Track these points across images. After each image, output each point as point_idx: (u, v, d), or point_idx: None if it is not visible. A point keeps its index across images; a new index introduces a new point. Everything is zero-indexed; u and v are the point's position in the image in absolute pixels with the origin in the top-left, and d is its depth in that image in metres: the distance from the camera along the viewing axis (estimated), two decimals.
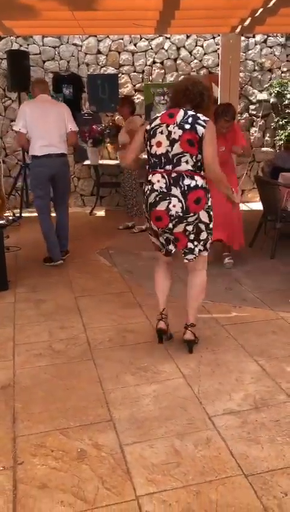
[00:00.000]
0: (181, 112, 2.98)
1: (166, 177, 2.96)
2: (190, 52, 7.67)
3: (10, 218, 5.43)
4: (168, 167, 2.96)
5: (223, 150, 4.61)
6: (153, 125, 3.04)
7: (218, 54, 7.40)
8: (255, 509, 1.95)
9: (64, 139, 4.87)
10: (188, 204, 2.95)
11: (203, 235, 3.10)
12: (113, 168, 7.47)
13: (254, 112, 7.98)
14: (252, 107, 7.95)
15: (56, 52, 7.54)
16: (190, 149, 2.92)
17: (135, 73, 7.66)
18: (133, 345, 3.34)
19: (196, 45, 7.66)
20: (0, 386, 2.87)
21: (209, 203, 3.08)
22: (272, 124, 7.97)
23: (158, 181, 2.98)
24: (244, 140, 4.84)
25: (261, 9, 5.14)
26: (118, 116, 7.28)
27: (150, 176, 3.04)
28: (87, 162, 7.44)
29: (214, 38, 7.59)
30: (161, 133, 2.98)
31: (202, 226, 3.07)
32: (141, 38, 7.55)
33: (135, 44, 7.56)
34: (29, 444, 2.35)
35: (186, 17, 5.43)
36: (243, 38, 7.34)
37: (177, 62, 7.68)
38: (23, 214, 7.02)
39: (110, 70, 7.62)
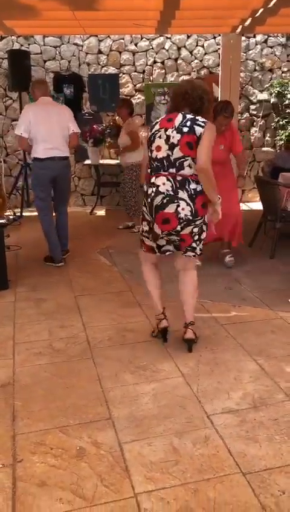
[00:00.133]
0: (179, 116, 2.98)
1: (171, 180, 2.95)
2: (191, 52, 7.68)
3: (11, 217, 5.45)
4: (172, 170, 2.95)
5: (223, 148, 4.61)
6: (153, 130, 3.06)
7: (219, 54, 7.41)
8: (253, 507, 1.96)
9: (67, 141, 4.88)
10: (197, 208, 2.96)
11: (204, 235, 3.14)
12: (114, 167, 7.48)
13: (255, 112, 7.98)
14: (252, 107, 7.96)
15: (57, 52, 7.54)
16: (190, 152, 2.92)
17: (136, 73, 7.67)
18: (132, 344, 3.35)
19: (197, 45, 7.66)
20: (0, 384, 2.89)
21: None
22: (273, 124, 7.97)
23: (163, 184, 2.95)
24: (241, 147, 4.84)
25: (261, 10, 5.15)
26: (118, 117, 7.28)
27: (153, 178, 3.01)
28: (87, 162, 7.44)
29: (214, 38, 7.60)
30: (160, 137, 2.99)
31: (205, 227, 3.11)
32: (141, 38, 7.55)
33: (135, 44, 7.57)
34: (28, 442, 2.37)
35: (187, 17, 5.44)
36: (243, 38, 7.35)
37: (178, 62, 7.68)
38: (23, 213, 7.03)
39: (111, 70, 7.63)
